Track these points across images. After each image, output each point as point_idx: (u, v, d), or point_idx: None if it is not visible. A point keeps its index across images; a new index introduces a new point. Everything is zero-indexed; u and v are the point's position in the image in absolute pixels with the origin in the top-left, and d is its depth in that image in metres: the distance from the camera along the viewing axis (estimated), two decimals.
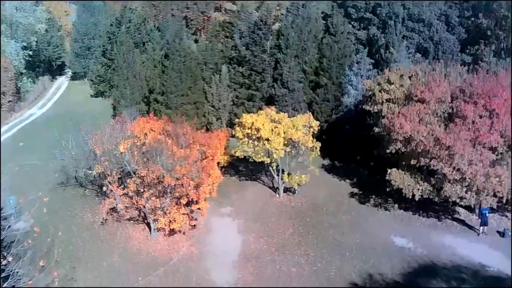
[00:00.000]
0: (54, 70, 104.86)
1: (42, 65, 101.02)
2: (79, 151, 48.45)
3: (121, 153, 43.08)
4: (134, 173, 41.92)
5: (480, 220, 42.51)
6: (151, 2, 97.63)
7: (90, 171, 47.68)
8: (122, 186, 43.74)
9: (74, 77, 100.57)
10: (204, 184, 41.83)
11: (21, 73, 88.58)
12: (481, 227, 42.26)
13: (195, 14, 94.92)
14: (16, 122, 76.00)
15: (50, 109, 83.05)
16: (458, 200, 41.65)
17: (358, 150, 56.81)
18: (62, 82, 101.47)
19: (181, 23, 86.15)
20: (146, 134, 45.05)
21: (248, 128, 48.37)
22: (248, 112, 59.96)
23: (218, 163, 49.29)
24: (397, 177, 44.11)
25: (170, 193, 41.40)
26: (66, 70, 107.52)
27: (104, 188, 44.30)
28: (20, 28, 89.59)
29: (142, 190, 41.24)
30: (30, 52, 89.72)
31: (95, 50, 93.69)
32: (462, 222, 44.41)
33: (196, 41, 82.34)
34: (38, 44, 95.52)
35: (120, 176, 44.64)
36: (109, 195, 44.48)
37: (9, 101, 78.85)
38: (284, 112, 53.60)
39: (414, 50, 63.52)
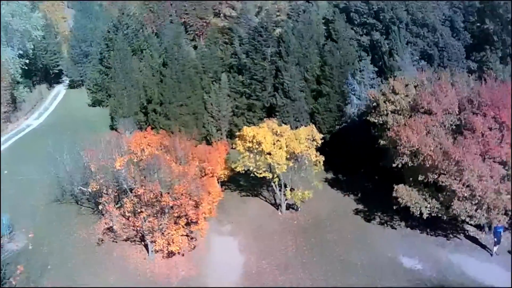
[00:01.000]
0: (52, 77, 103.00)
1: (39, 73, 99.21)
2: (75, 166, 47.01)
3: (117, 170, 41.54)
4: (131, 190, 40.42)
5: (494, 239, 40.67)
6: (149, 7, 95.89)
7: (85, 188, 46.24)
8: (118, 205, 42.24)
9: (72, 85, 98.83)
10: (203, 203, 40.31)
11: (18, 82, 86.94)
12: (495, 247, 40.50)
13: (193, 20, 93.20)
14: (12, 134, 74.12)
15: (47, 120, 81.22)
16: (467, 219, 39.88)
17: (362, 163, 55.16)
18: (60, 90, 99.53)
19: (180, 29, 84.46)
20: (143, 149, 43.59)
21: (249, 142, 46.77)
22: (249, 123, 58.67)
23: (217, 178, 47.79)
24: (404, 193, 42.32)
25: (168, 212, 39.85)
26: (63, 78, 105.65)
27: (100, 207, 42.73)
28: (16, 35, 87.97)
29: (139, 209, 39.74)
30: (27, 60, 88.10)
31: (93, 58, 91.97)
32: (472, 240, 42.78)
33: (195, 47, 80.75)
34: (35, 51, 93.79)
35: (116, 193, 43.15)
36: (105, 214, 42.88)
37: (4, 112, 76.84)
38: (286, 123, 52.14)
39: (419, 56, 61.79)
